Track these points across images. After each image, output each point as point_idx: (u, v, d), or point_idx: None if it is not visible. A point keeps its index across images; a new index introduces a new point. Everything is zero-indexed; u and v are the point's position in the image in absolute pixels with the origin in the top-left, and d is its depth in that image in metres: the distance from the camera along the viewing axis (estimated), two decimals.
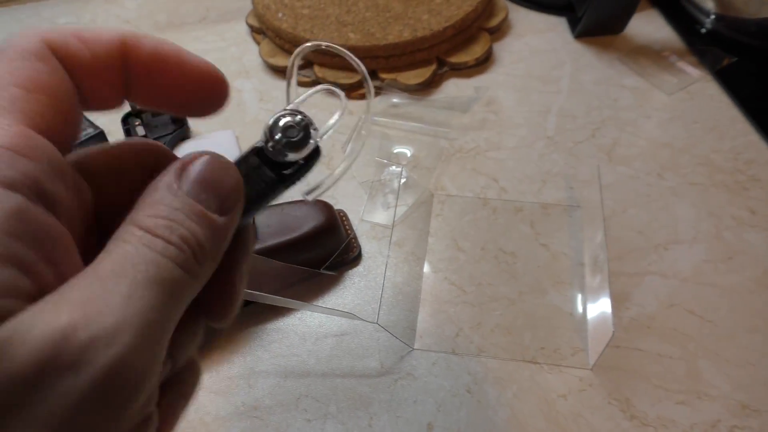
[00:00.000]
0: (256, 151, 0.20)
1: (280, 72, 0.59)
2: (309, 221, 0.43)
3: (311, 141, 0.20)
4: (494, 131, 0.53)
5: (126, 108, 0.52)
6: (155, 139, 0.52)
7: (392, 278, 0.44)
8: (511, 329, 0.41)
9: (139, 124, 0.52)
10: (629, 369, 0.39)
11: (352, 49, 0.54)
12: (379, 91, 0.56)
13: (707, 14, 0.61)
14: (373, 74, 0.56)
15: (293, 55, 0.21)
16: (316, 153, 0.20)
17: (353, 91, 0.56)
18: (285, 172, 0.20)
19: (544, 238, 0.46)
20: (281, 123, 0.20)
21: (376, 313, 0.41)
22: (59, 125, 0.17)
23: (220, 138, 0.53)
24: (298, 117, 0.20)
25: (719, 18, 0.60)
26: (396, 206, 0.48)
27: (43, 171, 0.15)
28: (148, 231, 0.16)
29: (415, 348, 0.41)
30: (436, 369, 0.40)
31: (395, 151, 0.51)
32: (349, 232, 0.46)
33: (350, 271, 0.44)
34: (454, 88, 0.57)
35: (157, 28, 0.66)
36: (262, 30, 0.61)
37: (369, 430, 0.37)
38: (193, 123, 0.55)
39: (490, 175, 0.50)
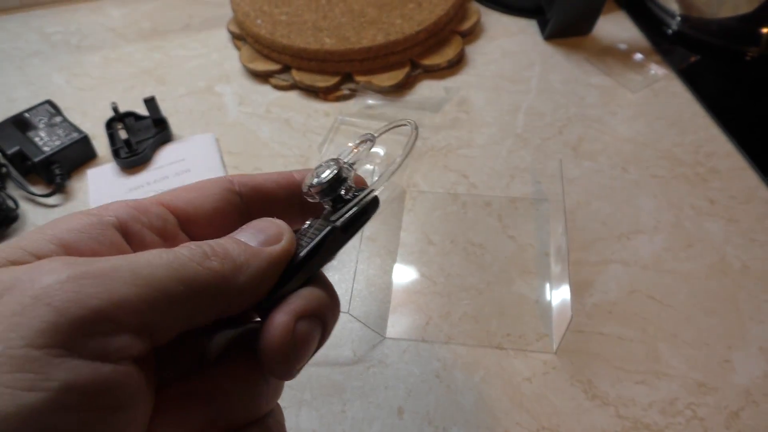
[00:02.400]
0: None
1: (259, 77, 0.61)
2: None
3: (347, 181, 0.22)
4: (465, 130, 0.55)
5: (109, 113, 0.54)
6: (137, 142, 0.53)
7: (365, 271, 0.46)
8: (479, 317, 0.43)
9: (122, 128, 0.53)
10: (591, 352, 0.41)
11: (328, 54, 0.56)
12: (353, 93, 0.58)
13: (672, 16, 0.63)
14: (348, 77, 0.58)
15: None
16: (375, 203, 0.22)
17: (329, 93, 0.58)
18: (337, 219, 0.22)
19: (512, 230, 0.47)
20: (324, 176, 0.22)
21: (348, 303, 0.43)
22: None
23: (200, 141, 0.55)
24: (332, 164, 0.22)
25: (684, 19, 0.63)
26: None
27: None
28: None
29: (387, 337, 0.42)
30: (407, 356, 0.41)
31: (369, 150, 0.53)
32: None
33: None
34: (427, 89, 0.59)
35: (141, 36, 0.67)
36: (242, 36, 0.63)
37: (342, 416, 0.39)
38: (175, 127, 0.57)
39: (460, 172, 0.52)
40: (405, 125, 0.25)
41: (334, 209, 0.22)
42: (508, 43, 0.64)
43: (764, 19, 0.58)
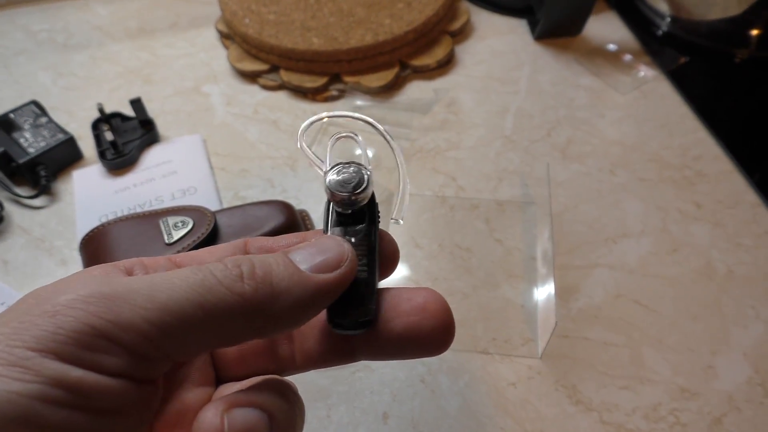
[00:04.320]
0: (337, 222, 0.22)
1: (247, 77, 0.60)
2: (270, 221, 0.45)
3: (367, 179, 0.22)
4: (454, 131, 0.55)
5: (96, 113, 0.54)
6: (124, 143, 0.53)
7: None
8: (465, 321, 0.43)
9: (108, 129, 0.53)
10: (576, 357, 0.41)
11: (316, 54, 0.56)
12: (342, 93, 0.57)
13: (662, 17, 0.63)
14: (337, 77, 0.58)
15: (300, 130, 0.25)
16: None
17: (318, 94, 0.58)
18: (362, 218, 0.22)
19: (499, 233, 0.47)
20: (341, 177, 0.22)
21: None
22: None
23: (187, 142, 0.54)
24: (351, 168, 0.23)
25: (674, 20, 0.63)
26: None
27: None
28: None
29: None
30: (392, 362, 0.41)
31: (357, 153, 0.53)
32: None
33: None
34: (416, 90, 0.59)
35: (128, 35, 0.67)
36: (230, 35, 0.63)
37: (327, 421, 0.39)
38: (162, 127, 0.56)
39: (448, 174, 0.52)
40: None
41: (355, 216, 0.22)
42: (497, 43, 0.64)
43: (753, 21, 0.58)
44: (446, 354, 0.41)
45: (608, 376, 0.40)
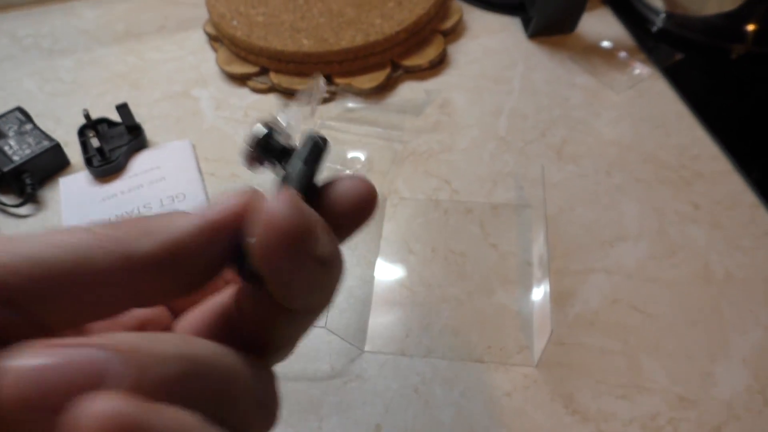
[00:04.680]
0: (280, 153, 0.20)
1: (236, 80, 0.59)
2: None
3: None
4: (447, 133, 0.54)
5: (82, 119, 0.53)
6: (111, 150, 0.52)
7: (344, 282, 0.45)
8: (459, 329, 0.42)
9: (93, 136, 0.52)
10: (573, 365, 0.40)
11: (306, 56, 0.55)
12: (333, 96, 0.56)
13: (657, 13, 0.62)
14: (328, 79, 0.57)
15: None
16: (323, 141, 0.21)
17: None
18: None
19: (494, 238, 0.47)
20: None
21: (325, 317, 0.42)
22: None
23: (176, 148, 0.53)
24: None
25: (669, 16, 0.62)
26: None
27: None
28: None
29: (366, 350, 0.42)
30: (386, 371, 0.40)
31: (349, 156, 0.52)
32: None
33: None
34: (408, 90, 0.58)
35: (115, 39, 0.66)
36: (219, 38, 0.62)
37: None
38: (150, 133, 0.55)
39: (442, 177, 0.51)
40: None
41: (282, 161, 0.20)
42: (490, 41, 0.63)
43: (749, 16, 0.57)
44: (441, 363, 0.40)
45: (605, 384, 0.39)
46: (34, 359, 0.12)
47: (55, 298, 0.14)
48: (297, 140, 0.20)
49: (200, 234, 0.16)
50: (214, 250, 0.16)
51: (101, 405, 0.11)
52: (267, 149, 0.20)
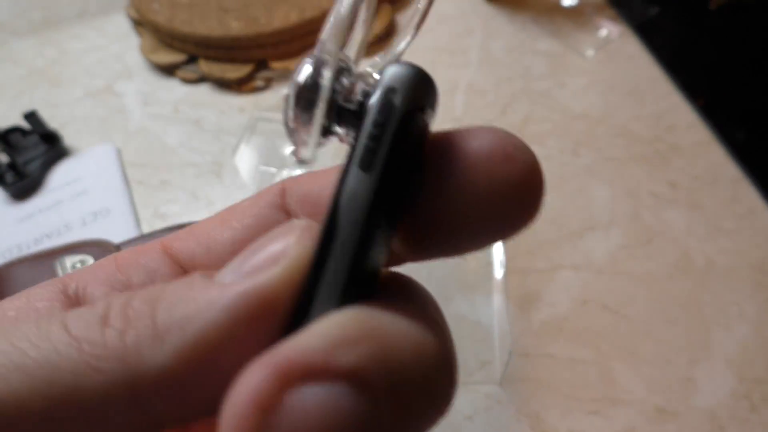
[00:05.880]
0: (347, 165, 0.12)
1: (164, 70, 0.54)
2: None
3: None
4: None
5: None
6: (25, 163, 0.47)
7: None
8: None
9: (1, 150, 0.46)
10: (539, 379, 0.36)
11: (236, 40, 0.49)
12: (269, 82, 0.51)
13: None
14: (263, 64, 0.51)
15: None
16: (418, 85, 0.12)
17: (243, 84, 0.51)
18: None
19: None
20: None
21: None
22: None
23: (98, 155, 0.48)
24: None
25: None
26: None
27: None
28: None
29: None
30: None
31: (287, 152, 0.47)
32: None
33: None
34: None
35: (32, 29, 0.59)
36: (142, 23, 0.55)
37: None
38: (72, 138, 0.50)
39: None
40: None
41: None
42: (445, 6, 0.57)
43: None
44: None
45: (575, 399, 0.35)
46: None
47: None
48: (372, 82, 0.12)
49: (235, 326, 0.11)
50: (255, 342, 0.11)
51: None
52: (330, 111, 0.12)
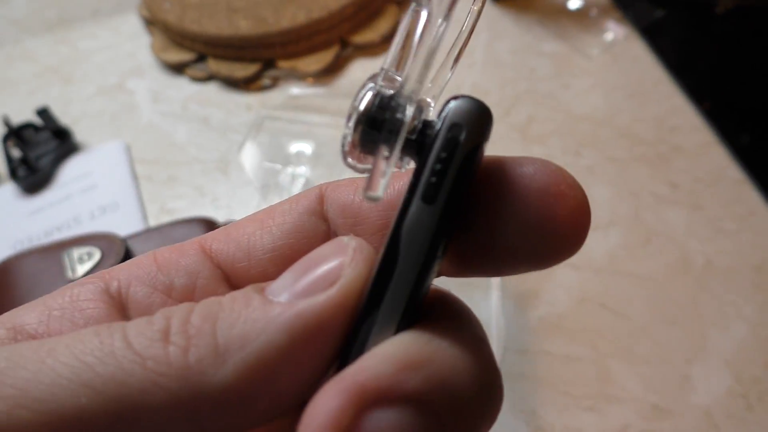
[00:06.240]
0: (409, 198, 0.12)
1: (174, 68, 0.55)
2: None
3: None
4: None
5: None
6: (37, 158, 0.48)
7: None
8: None
9: (14, 145, 0.48)
10: (536, 376, 0.37)
11: (244, 39, 0.50)
12: (275, 81, 0.52)
13: None
14: (270, 63, 0.52)
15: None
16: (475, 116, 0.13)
17: (250, 83, 0.52)
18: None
19: None
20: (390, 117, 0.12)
21: None
22: None
23: (108, 151, 0.49)
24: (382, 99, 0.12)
25: None
26: None
27: None
28: None
29: None
30: None
31: (293, 149, 0.48)
32: None
33: None
34: (360, 70, 0.53)
35: (47, 28, 0.61)
36: (154, 21, 0.57)
37: None
38: (84, 134, 0.51)
39: None
40: None
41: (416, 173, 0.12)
42: None
43: None
44: None
45: (571, 396, 0.36)
46: None
47: None
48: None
49: (292, 345, 0.11)
50: (310, 360, 0.12)
51: None
52: (385, 135, 0.12)
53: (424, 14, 0.13)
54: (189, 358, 0.11)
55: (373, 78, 0.13)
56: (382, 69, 0.13)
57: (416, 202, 0.12)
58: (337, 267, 0.12)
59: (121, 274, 0.14)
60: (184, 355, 0.11)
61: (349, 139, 0.13)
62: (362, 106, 0.13)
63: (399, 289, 0.12)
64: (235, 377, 0.11)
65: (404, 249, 0.12)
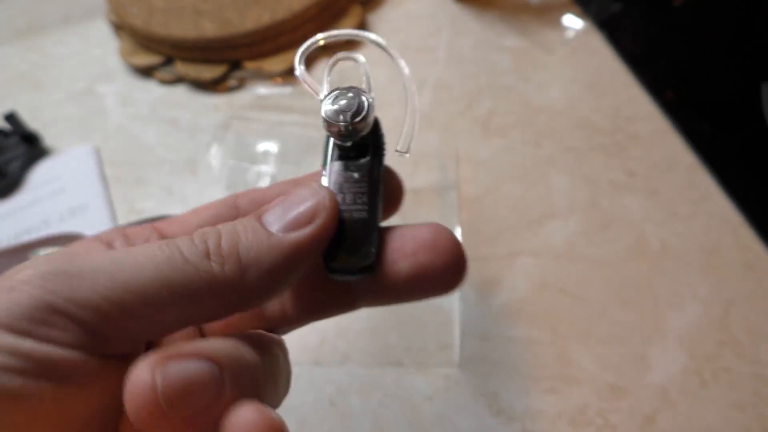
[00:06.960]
0: (338, 156, 0.21)
1: (142, 72, 0.55)
2: None
3: (367, 106, 0.20)
4: None
5: None
6: (6, 162, 0.48)
7: None
8: (377, 331, 0.39)
9: None
10: (497, 360, 0.37)
11: (210, 41, 0.51)
12: (242, 82, 0.52)
13: None
14: (236, 65, 0.53)
15: (298, 55, 0.22)
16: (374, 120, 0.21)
17: (218, 84, 0.52)
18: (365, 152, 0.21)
19: None
20: (337, 106, 0.20)
21: None
22: None
23: (77, 155, 0.50)
24: (350, 94, 0.20)
25: None
26: None
27: None
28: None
29: None
30: (299, 383, 0.38)
31: (260, 148, 0.48)
32: None
33: None
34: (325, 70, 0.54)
35: (16, 35, 0.61)
36: (122, 26, 0.57)
37: None
38: (54, 138, 0.51)
39: None
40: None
41: (357, 148, 0.20)
42: (414, 6, 0.58)
43: None
44: (358, 371, 0.38)
45: (532, 379, 0.37)
46: (177, 367, 0.15)
47: (145, 320, 0.16)
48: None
49: (288, 263, 0.18)
50: (298, 270, 0.19)
51: (257, 414, 0.15)
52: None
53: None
54: (225, 270, 0.17)
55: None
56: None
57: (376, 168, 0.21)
58: (314, 205, 0.18)
59: (112, 236, 0.21)
60: (221, 269, 0.17)
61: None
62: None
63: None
64: (251, 282, 0.17)
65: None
